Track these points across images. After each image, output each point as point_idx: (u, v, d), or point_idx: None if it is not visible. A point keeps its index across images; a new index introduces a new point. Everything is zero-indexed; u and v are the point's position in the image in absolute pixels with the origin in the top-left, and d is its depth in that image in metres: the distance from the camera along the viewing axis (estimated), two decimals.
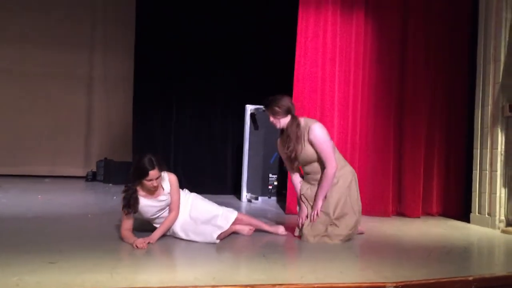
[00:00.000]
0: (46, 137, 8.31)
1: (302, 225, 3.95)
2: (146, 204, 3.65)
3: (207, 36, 6.71)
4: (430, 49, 5.61)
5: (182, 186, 6.61)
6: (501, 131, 4.90)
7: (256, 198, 6.23)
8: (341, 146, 5.25)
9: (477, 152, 5.13)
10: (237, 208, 5.70)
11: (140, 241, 3.46)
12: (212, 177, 6.91)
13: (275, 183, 6.37)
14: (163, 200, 3.70)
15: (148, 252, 3.27)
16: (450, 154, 5.71)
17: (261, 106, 6.30)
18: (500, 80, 4.93)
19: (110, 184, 7.63)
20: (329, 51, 5.40)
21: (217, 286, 2.49)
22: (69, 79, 8.46)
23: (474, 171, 5.15)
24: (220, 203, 5.92)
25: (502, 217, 4.86)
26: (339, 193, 3.90)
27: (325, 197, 3.89)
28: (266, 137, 6.42)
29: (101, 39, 8.59)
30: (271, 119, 3.93)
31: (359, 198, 4.02)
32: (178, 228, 3.75)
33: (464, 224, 5.14)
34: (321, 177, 3.89)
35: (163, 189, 3.71)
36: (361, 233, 4.19)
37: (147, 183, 3.57)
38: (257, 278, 2.72)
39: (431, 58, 5.61)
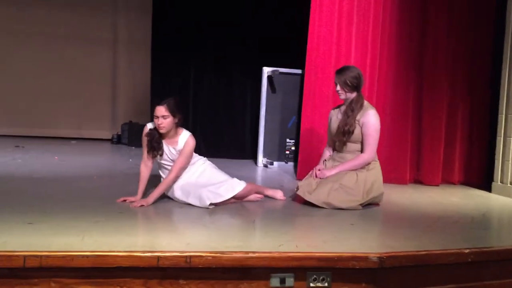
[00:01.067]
0: (72, 100, 8.41)
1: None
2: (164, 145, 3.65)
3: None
4: (453, 12, 5.21)
5: (201, 151, 6.71)
6: None
7: (272, 163, 6.10)
8: None
9: (502, 118, 4.80)
10: (252, 173, 5.74)
11: (134, 204, 3.49)
12: (231, 141, 6.82)
13: (293, 148, 6.21)
14: (174, 153, 3.67)
15: (134, 215, 3.23)
16: (474, 121, 5.38)
17: (278, 68, 6.16)
18: None
19: (133, 147, 7.67)
20: (345, 11, 5.10)
21: (185, 252, 2.41)
22: (93, 42, 8.48)
23: (498, 138, 4.84)
24: (237, 168, 6.03)
25: None
26: (359, 177, 3.79)
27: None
28: (283, 101, 6.24)
29: (125, 1, 8.53)
30: (338, 88, 3.91)
31: (380, 193, 3.90)
32: (179, 189, 3.69)
33: (485, 193, 4.87)
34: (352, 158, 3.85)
35: (178, 143, 3.65)
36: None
37: (155, 120, 3.56)
38: (234, 245, 2.62)
39: (454, 23, 5.22)
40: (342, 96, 3.93)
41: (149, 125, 3.68)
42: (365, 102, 3.96)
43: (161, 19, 6.71)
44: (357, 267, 2.55)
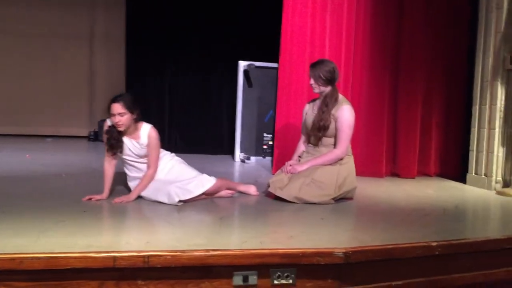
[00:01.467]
0: (50, 97, 8.26)
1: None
2: (125, 141, 3.56)
3: None
4: (431, 7, 5.17)
5: (177, 146, 6.64)
6: (501, 85, 4.52)
7: (248, 158, 6.03)
8: None
9: (475, 109, 4.77)
10: (229, 168, 5.66)
11: (117, 200, 3.44)
12: (209, 137, 6.77)
13: (270, 142, 6.15)
14: (137, 147, 3.56)
15: (98, 214, 3.13)
16: (450, 112, 5.36)
17: (254, 62, 6.08)
18: (502, 30, 4.50)
19: None
20: (319, 2, 5.03)
21: (143, 251, 2.32)
22: (70, 39, 8.32)
23: (472, 129, 4.81)
24: (214, 163, 5.96)
25: (499, 178, 4.54)
26: (332, 171, 3.73)
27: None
28: (260, 95, 6.18)
29: None
30: (312, 81, 3.84)
31: (353, 187, 3.85)
32: (149, 187, 3.59)
33: (460, 185, 4.85)
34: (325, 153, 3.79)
35: (140, 137, 3.57)
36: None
37: (112, 118, 3.46)
38: (197, 243, 2.54)
39: (431, 18, 5.18)
40: (316, 90, 3.87)
41: (109, 122, 3.56)
42: (340, 96, 3.89)
43: (135, 15, 6.60)
44: (322, 263, 2.48)
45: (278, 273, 2.46)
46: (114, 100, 3.47)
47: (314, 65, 3.87)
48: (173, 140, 6.72)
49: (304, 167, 3.79)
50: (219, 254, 2.38)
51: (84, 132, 8.43)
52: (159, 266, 2.30)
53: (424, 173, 5.32)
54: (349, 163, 3.87)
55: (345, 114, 3.78)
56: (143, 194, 3.59)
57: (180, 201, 3.46)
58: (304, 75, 4.85)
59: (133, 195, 3.53)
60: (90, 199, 3.48)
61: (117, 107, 3.44)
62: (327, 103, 3.80)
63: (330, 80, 3.82)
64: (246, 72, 6.11)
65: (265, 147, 6.16)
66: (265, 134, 6.18)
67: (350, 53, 5.12)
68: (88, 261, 2.23)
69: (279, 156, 4.99)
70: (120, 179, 3.86)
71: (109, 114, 3.48)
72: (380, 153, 5.14)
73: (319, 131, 3.82)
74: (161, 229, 2.91)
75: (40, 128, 8.29)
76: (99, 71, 8.57)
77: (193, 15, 6.53)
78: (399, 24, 5.15)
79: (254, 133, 6.20)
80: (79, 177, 4.56)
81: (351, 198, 3.90)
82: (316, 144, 3.89)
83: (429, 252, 2.71)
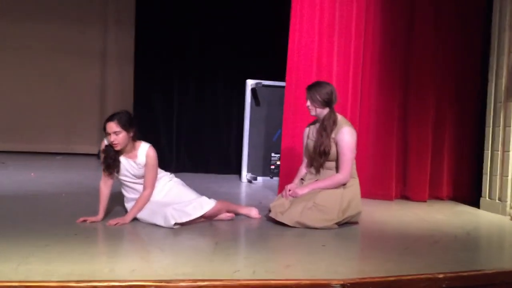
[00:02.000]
0: (60, 114, 8.23)
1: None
2: (122, 161, 3.45)
3: (207, 11, 6.37)
4: (440, 18, 5.00)
5: (186, 166, 6.52)
6: None
7: (255, 178, 5.87)
8: None
9: (489, 130, 4.56)
10: (235, 189, 5.52)
11: (111, 222, 3.32)
12: (216, 156, 6.63)
13: (278, 162, 5.98)
14: (135, 167, 3.45)
15: (88, 238, 3.00)
16: (463, 134, 5.13)
17: (262, 81, 5.96)
18: None
19: None
20: (326, 19, 4.91)
21: (125, 281, 2.17)
22: (81, 55, 8.31)
23: (485, 151, 4.59)
24: (220, 184, 5.82)
25: None
26: (335, 195, 3.57)
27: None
28: (268, 114, 6.04)
29: (114, 14, 8.37)
30: (308, 103, 3.71)
31: (358, 211, 3.69)
32: (144, 209, 3.46)
33: (473, 209, 4.61)
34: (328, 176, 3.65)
35: (137, 157, 3.45)
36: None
37: (108, 137, 3.37)
38: (185, 272, 2.39)
39: (441, 36, 5.00)
40: (313, 112, 3.72)
41: (106, 141, 3.45)
42: (339, 118, 3.74)
43: (144, 32, 6.54)
44: None
45: None
46: (109, 118, 3.37)
47: (311, 87, 3.73)
48: (182, 159, 6.60)
49: (305, 190, 3.62)
50: (206, 285, 2.23)
51: (95, 150, 8.34)
52: None
53: (436, 196, 5.10)
54: (354, 186, 3.70)
55: (345, 137, 3.62)
56: (139, 216, 3.45)
57: (176, 223, 3.32)
58: None
59: (128, 217, 3.40)
60: (85, 220, 3.36)
61: (112, 126, 3.34)
62: (325, 127, 3.65)
63: (327, 102, 3.67)
64: (253, 91, 6.00)
65: (272, 167, 6.01)
66: (273, 154, 6.03)
67: (359, 72, 4.97)
68: None
69: (285, 176, 4.82)
70: (119, 199, 3.73)
71: (105, 133, 3.37)
72: (389, 175, 4.95)
73: (320, 157, 3.66)
74: (150, 255, 2.77)
75: (50, 145, 8.26)
76: (110, 88, 8.54)
77: (201, 34, 6.46)
78: (408, 43, 5.00)
79: (261, 153, 6.05)
80: (80, 197, 4.45)
81: (356, 223, 3.72)
82: (318, 170, 3.72)
83: (435, 285, 2.51)
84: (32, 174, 5.61)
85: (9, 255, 2.51)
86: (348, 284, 2.33)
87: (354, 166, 3.77)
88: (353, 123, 4.93)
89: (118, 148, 3.38)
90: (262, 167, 6.05)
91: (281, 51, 5.27)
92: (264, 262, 2.66)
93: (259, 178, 5.94)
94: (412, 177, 5.01)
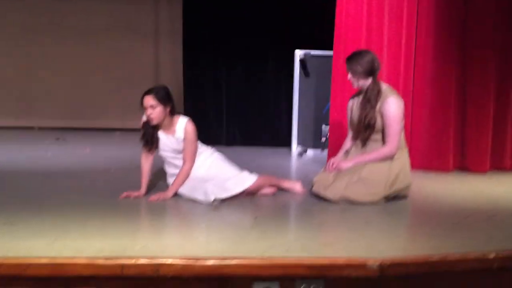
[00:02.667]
0: (116, 91, 8.38)
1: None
2: (161, 136, 3.45)
3: None
4: None
5: (236, 140, 6.49)
6: None
7: (305, 151, 5.74)
8: None
9: None
10: (284, 162, 5.42)
11: (153, 198, 3.34)
12: (266, 129, 6.48)
13: (328, 135, 5.80)
14: (174, 142, 3.44)
15: (127, 213, 3.01)
16: None
17: (310, 51, 5.75)
18: None
19: None
20: None
21: (154, 258, 2.15)
22: (135, 34, 8.37)
23: None
24: (269, 157, 5.74)
25: None
26: (382, 168, 3.40)
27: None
28: (318, 85, 5.84)
29: None
30: (349, 76, 3.53)
31: (406, 185, 3.49)
32: (185, 184, 3.45)
33: None
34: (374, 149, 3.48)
35: (176, 131, 3.43)
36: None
37: (145, 111, 3.37)
38: (218, 249, 2.35)
39: None
40: (355, 85, 3.52)
41: (144, 117, 3.44)
42: (384, 87, 3.52)
43: (191, 8, 6.48)
44: (354, 276, 2.19)
45: (304, 285, 2.20)
46: (146, 92, 3.36)
47: (350, 58, 3.53)
48: (231, 132, 6.56)
49: (350, 164, 3.46)
50: (235, 263, 2.16)
51: None
52: (170, 275, 2.12)
53: (498, 167, 4.74)
54: (402, 158, 3.49)
55: (391, 108, 3.41)
56: (180, 191, 3.44)
57: (216, 199, 3.26)
58: None
59: (169, 193, 3.40)
60: (128, 196, 3.38)
61: (149, 100, 3.32)
62: (369, 99, 3.45)
63: (370, 72, 3.45)
64: (302, 62, 5.81)
65: (323, 139, 5.82)
66: (323, 126, 5.84)
67: (412, 37, 4.64)
68: (95, 268, 2.10)
69: (334, 150, 4.62)
70: (165, 175, 3.73)
71: (142, 108, 3.35)
72: (447, 145, 4.64)
73: (365, 131, 3.48)
74: (186, 232, 2.75)
75: (108, 121, 8.45)
76: (162, 65, 8.58)
77: (247, 8, 6.30)
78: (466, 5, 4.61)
79: (312, 125, 5.89)
80: (129, 172, 4.47)
81: (405, 197, 3.53)
82: (364, 143, 3.55)
83: (485, 266, 2.32)
84: (87, 149, 5.75)
85: (48, 229, 2.57)
86: (387, 264, 2.20)
87: (403, 137, 3.56)
88: (406, 92, 4.71)
89: (154, 122, 3.36)
90: (312, 140, 5.90)
91: (332, 18, 5.05)
92: (301, 239, 2.56)
93: (310, 151, 5.79)
94: (471, 146, 4.67)
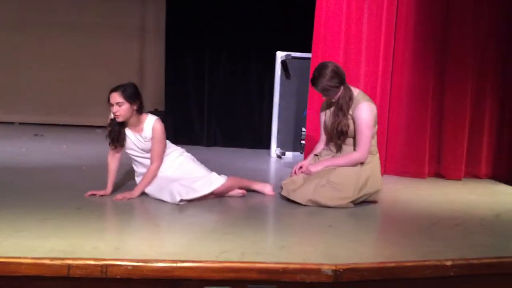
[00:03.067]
0: (99, 88, 8.31)
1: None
2: (128, 134, 3.40)
3: None
4: None
5: (217, 139, 6.46)
6: None
7: (283, 153, 5.71)
8: (369, 94, 4.44)
9: None
10: (262, 164, 5.39)
11: (118, 197, 3.29)
12: (248, 130, 6.49)
13: (306, 137, 5.77)
14: (141, 141, 3.39)
15: (90, 213, 2.96)
16: (505, 106, 4.72)
17: (291, 53, 5.73)
18: None
19: None
20: None
21: (101, 259, 2.10)
22: (120, 30, 8.31)
23: None
24: (248, 158, 5.71)
25: None
26: (351, 171, 3.37)
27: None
28: (299, 87, 5.81)
29: None
30: (324, 98, 3.52)
31: (376, 190, 3.48)
32: (153, 184, 3.40)
33: None
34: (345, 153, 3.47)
35: (143, 130, 3.38)
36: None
37: (111, 108, 3.31)
38: (172, 251, 2.31)
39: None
40: (334, 98, 3.47)
41: (112, 115, 3.39)
42: (356, 93, 3.49)
43: (175, 6, 6.44)
44: (308, 281, 2.16)
45: None
46: (113, 89, 3.31)
47: (314, 79, 3.44)
48: (212, 133, 6.53)
49: (319, 167, 3.44)
50: (186, 266, 2.12)
51: None
52: (118, 277, 2.07)
53: (473, 174, 4.74)
54: (372, 163, 3.47)
55: (363, 114, 3.39)
56: (147, 191, 3.40)
57: (182, 200, 3.23)
58: None
59: (136, 192, 3.36)
60: (94, 194, 3.34)
61: (115, 96, 3.27)
62: (341, 106, 3.42)
63: (337, 85, 3.41)
64: (284, 63, 5.78)
65: (302, 142, 5.79)
66: (303, 129, 5.80)
67: (391, 45, 4.62)
68: (41, 268, 2.05)
69: (309, 153, 4.62)
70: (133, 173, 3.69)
71: (109, 104, 3.31)
72: (422, 151, 4.63)
73: (338, 138, 3.46)
74: (144, 232, 2.70)
75: (90, 118, 8.37)
76: (149, 63, 8.52)
77: (230, 8, 6.28)
78: (447, 6, 4.59)
79: (291, 127, 5.86)
80: (101, 171, 4.42)
81: (375, 202, 3.51)
82: (338, 149, 3.52)
83: (441, 273, 2.30)
84: (64, 146, 5.69)
85: (3, 228, 2.51)
86: (341, 270, 2.17)
87: (374, 143, 3.54)
88: (383, 96, 4.69)
89: (120, 119, 3.32)
90: (292, 142, 5.87)
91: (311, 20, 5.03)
92: (259, 243, 2.53)
93: (289, 153, 5.76)
94: (447, 153, 4.67)
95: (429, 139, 4.66)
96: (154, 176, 3.39)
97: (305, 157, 4.64)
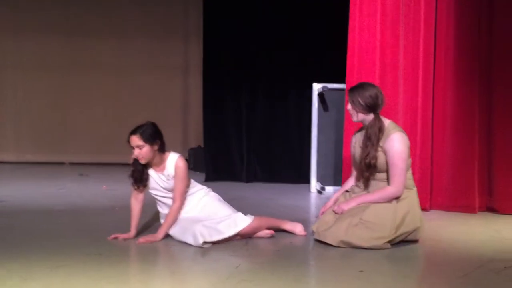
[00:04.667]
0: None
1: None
2: (151, 174, 3.31)
3: (271, 16, 6.16)
4: None
5: (257, 175, 6.30)
6: None
7: (324, 188, 5.46)
8: (409, 126, 4.25)
9: None
10: (301, 200, 5.17)
11: (141, 240, 3.19)
12: (287, 165, 6.27)
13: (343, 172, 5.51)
14: (164, 180, 3.28)
15: (107, 259, 2.84)
16: None
17: (327, 84, 5.54)
18: None
19: (198, 173, 7.39)
20: (389, 10, 4.35)
21: None
22: (164, 68, 8.44)
23: None
24: (286, 194, 5.50)
25: None
26: (386, 209, 3.12)
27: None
28: (337, 119, 5.57)
29: (195, 28, 8.40)
30: (349, 107, 3.31)
31: (415, 227, 3.18)
32: (176, 225, 3.27)
33: None
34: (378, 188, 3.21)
35: (166, 168, 3.28)
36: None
37: (132, 151, 3.22)
38: None
39: None
40: (354, 118, 3.27)
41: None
42: (387, 123, 3.24)
43: (212, 44, 6.44)
44: None
45: None
46: (132, 132, 3.23)
47: (353, 89, 3.30)
48: (252, 168, 6.37)
49: (352, 204, 3.19)
50: None
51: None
52: None
53: None
54: (409, 198, 3.19)
55: (395, 145, 3.13)
56: (171, 232, 3.26)
57: (205, 242, 3.07)
58: None
59: (159, 235, 3.23)
60: (117, 237, 3.24)
61: (135, 139, 3.19)
62: (370, 136, 3.18)
63: (371, 108, 3.19)
64: (321, 95, 5.60)
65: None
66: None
67: (431, 69, 4.37)
68: None
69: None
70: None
71: (129, 146, 3.23)
72: (471, 183, 4.25)
73: (367, 170, 3.21)
74: (156, 279, 2.53)
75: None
76: (193, 100, 8.56)
77: (266, 44, 6.21)
78: (489, 22, 4.29)
79: (331, 161, 5.61)
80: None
81: (416, 241, 3.21)
82: (366, 184, 3.27)
83: None
84: (103, 186, 5.70)
85: (13, 275, 2.42)
86: None
87: (410, 176, 3.27)
88: (424, 121, 4.40)
89: (143, 162, 3.24)
90: (333, 176, 5.61)
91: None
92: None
93: (329, 188, 5.51)
94: (499, 184, 4.27)
95: (478, 170, 4.30)
96: (176, 216, 3.26)
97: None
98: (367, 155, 3.17)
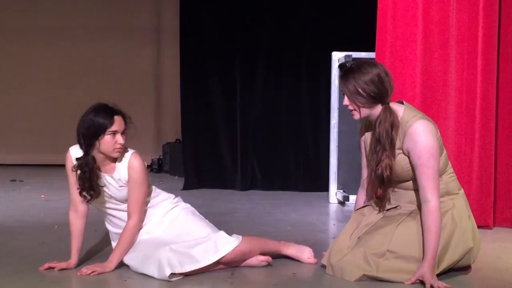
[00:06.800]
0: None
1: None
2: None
3: None
4: None
5: (255, 181, 6.35)
6: None
7: (347, 198, 5.54)
8: (462, 155, 4.44)
9: None
10: (315, 213, 5.27)
11: (84, 271, 3.20)
12: (297, 166, 6.46)
13: None
14: (114, 186, 3.28)
15: None
16: None
17: (353, 53, 5.60)
18: None
19: (176, 177, 7.45)
20: None
21: None
22: (130, 35, 8.57)
23: None
24: (296, 207, 5.58)
25: None
26: (419, 233, 3.13)
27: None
28: None
29: None
30: (346, 102, 3.19)
31: (467, 249, 3.19)
32: (132, 251, 3.29)
33: None
34: (420, 213, 3.15)
35: (116, 169, 3.28)
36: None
37: (108, 142, 3.15)
38: None
39: None
40: (356, 116, 3.20)
41: (73, 151, 3.28)
42: (402, 111, 3.16)
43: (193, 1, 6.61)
44: None
45: None
46: (115, 110, 3.19)
47: (346, 75, 3.16)
48: (250, 172, 6.49)
49: (426, 267, 3.04)
50: None
51: (148, 160, 8.40)
52: None
53: None
54: (455, 209, 3.19)
55: (420, 139, 3.05)
56: (127, 261, 3.29)
57: (174, 274, 3.09)
58: (413, 72, 4.43)
59: (110, 264, 3.25)
60: (52, 267, 3.24)
61: (121, 122, 3.18)
62: (380, 137, 3.11)
63: (376, 97, 3.09)
64: (343, 68, 5.62)
65: None
66: None
67: (494, 29, 4.44)
68: None
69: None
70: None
71: (102, 133, 3.14)
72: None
73: (379, 183, 3.21)
74: None
75: None
76: (167, 77, 8.64)
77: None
78: None
79: (357, 161, 5.60)
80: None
81: (467, 268, 3.27)
82: (380, 205, 3.32)
83: None
84: (42, 196, 5.82)
85: None
86: None
87: (451, 175, 3.27)
88: (488, 116, 4.47)
89: (117, 155, 3.23)
90: (359, 182, 5.62)
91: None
92: None
93: (354, 198, 5.53)
94: None
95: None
96: (133, 238, 3.29)
97: None
98: (378, 163, 3.14)
